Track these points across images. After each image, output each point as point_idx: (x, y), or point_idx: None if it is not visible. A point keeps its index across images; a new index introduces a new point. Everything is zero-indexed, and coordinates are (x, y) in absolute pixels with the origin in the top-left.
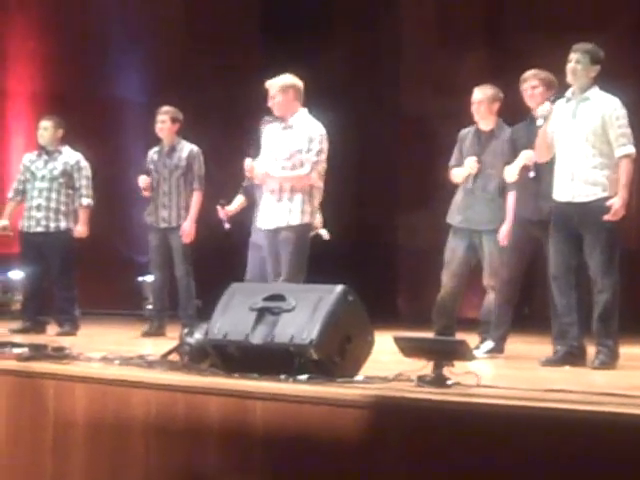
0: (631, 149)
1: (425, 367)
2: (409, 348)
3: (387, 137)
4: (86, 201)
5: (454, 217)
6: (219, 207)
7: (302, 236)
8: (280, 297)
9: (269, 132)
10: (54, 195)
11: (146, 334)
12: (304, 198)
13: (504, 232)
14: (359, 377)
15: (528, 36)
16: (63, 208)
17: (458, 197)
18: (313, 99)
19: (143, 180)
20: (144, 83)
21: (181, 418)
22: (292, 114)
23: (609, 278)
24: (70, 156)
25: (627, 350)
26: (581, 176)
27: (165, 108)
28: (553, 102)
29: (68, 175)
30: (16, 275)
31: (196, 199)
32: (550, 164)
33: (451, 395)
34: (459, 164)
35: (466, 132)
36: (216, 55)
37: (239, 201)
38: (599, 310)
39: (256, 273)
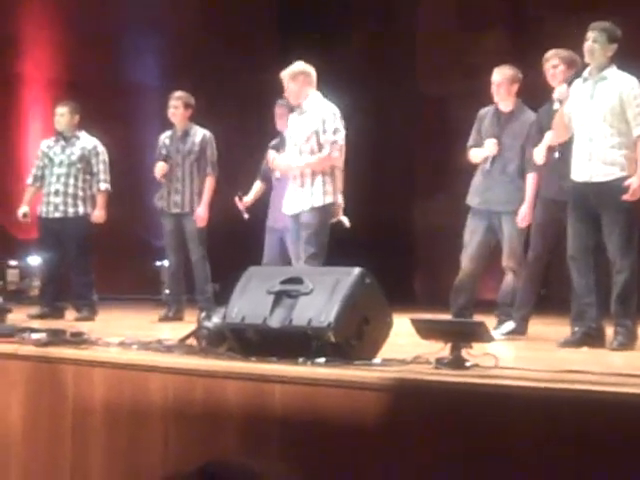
0: None
1: (443, 349)
2: (426, 330)
3: (405, 121)
4: (104, 186)
5: (473, 199)
6: (237, 199)
7: (324, 217)
8: (298, 280)
9: (290, 122)
10: (72, 180)
11: (164, 319)
12: (325, 179)
13: (523, 213)
14: (377, 360)
15: (547, 16)
16: (81, 193)
17: (477, 179)
18: (330, 84)
19: (162, 167)
20: (160, 68)
21: (199, 402)
22: (305, 99)
23: (628, 258)
24: (87, 141)
25: None
26: (599, 156)
27: (178, 93)
28: (570, 84)
29: (86, 160)
30: (34, 261)
31: (209, 184)
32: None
33: (469, 377)
34: (477, 144)
35: (485, 111)
36: (232, 41)
37: (256, 188)
38: (617, 291)
39: (273, 257)
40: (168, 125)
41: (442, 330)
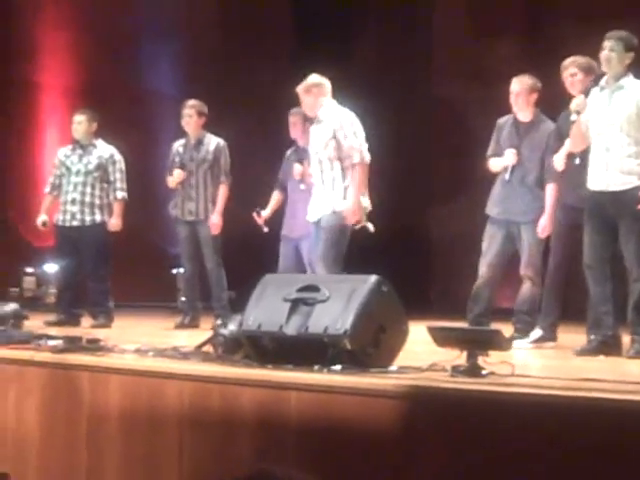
0: None
1: (459, 357)
2: (443, 338)
3: (421, 127)
4: (120, 194)
5: (492, 209)
6: (255, 215)
7: (344, 219)
8: (314, 288)
9: (311, 134)
10: (89, 189)
11: (179, 326)
12: (345, 185)
13: (543, 224)
14: (393, 367)
15: (564, 23)
16: (98, 202)
17: (496, 189)
18: (345, 90)
19: (179, 174)
20: (176, 76)
21: (215, 409)
22: (320, 108)
23: None
24: (104, 150)
25: None
26: (616, 165)
27: (191, 102)
28: (587, 95)
29: (103, 169)
30: (51, 268)
31: (222, 192)
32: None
33: (485, 385)
34: (496, 154)
35: (504, 121)
36: (247, 48)
37: (275, 198)
38: (634, 299)
39: (289, 266)
40: (183, 133)
41: (458, 338)
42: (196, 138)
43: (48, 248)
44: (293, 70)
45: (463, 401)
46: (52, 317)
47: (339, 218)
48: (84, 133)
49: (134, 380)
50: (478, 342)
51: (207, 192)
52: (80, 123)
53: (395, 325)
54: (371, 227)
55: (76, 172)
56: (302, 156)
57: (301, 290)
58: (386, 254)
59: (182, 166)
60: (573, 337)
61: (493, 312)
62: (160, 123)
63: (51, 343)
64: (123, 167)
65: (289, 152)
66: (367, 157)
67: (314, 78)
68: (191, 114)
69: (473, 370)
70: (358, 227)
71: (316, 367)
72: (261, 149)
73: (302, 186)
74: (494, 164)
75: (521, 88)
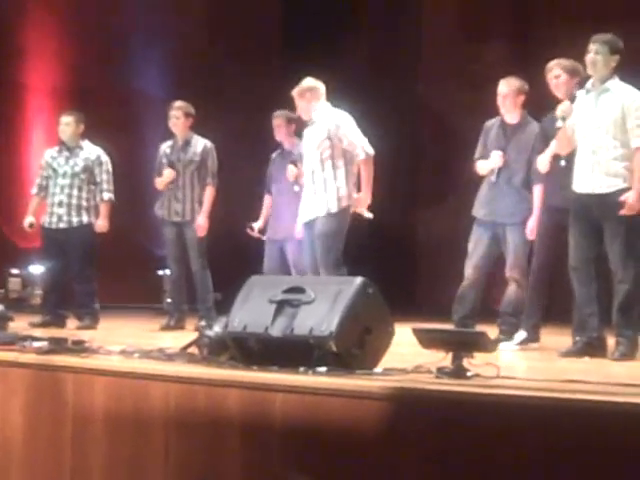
0: None
1: (444, 359)
2: (428, 340)
3: (408, 130)
4: (107, 196)
5: (479, 210)
6: (249, 230)
7: (341, 222)
8: (299, 289)
9: (304, 135)
10: (75, 192)
11: (165, 327)
12: (338, 185)
13: (531, 226)
14: (378, 369)
15: (552, 27)
16: (85, 204)
17: (482, 190)
18: (333, 93)
19: (169, 174)
20: (163, 78)
21: (201, 411)
22: (314, 112)
23: (629, 269)
24: (91, 151)
25: None
26: (602, 168)
27: (178, 103)
28: (573, 100)
29: (89, 171)
30: (36, 269)
31: (209, 194)
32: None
33: (470, 387)
34: (483, 156)
35: (491, 124)
36: (236, 51)
37: (266, 204)
38: (619, 301)
39: (273, 268)
40: (170, 135)
41: (443, 340)
42: (183, 139)
43: (34, 249)
44: (281, 73)
45: (448, 403)
46: (37, 318)
47: (334, 221)
48: (71, 135)
49: (119, 382)
50: (463, 344)
51: (194, 193)
52: (68, 125)
53: (380, 327)
54: (367, 213)
55: (63, 174)
56: (287, 159)
57: (287, 292)
58: (372, 256)
59: (171, 166)
60: (558, 339)
61: (479, 314)
62: (147, 125)
63: (36, 344)
64: (110, 168)
65: (274, 155)
66: (370, 151)
67: (308, 82)
68: (178, 115)
69: (458, 372)
70: (353, 210)
71: (301, 369)
72: (249, 151)
73: (296, 187)
74: (481, 167)
75: (509, 90)
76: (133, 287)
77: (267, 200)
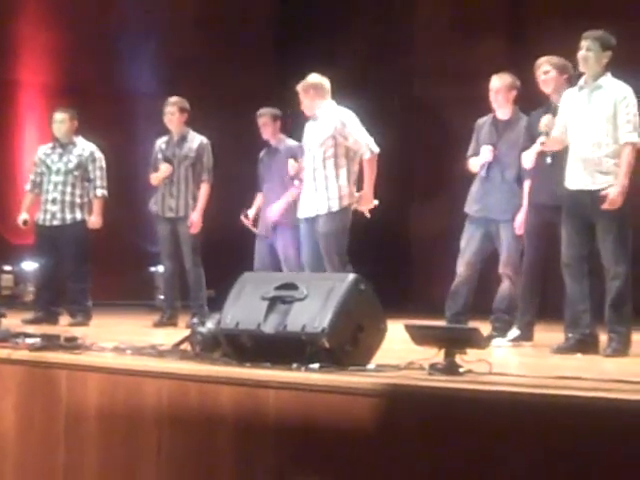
0: (635, 138)
1: (437, 355)
2: (421, 336)
3: (401, 126)
4: (100, 192)
5: (471, 207)
6: (243, 217)
7: (343, 220)
8: (292, 286)
9: (306, 130)
10: (69, 189)
11: (158, 324)
12: (340, 183)
13: (520, 221)
14: (371, 366)
15: (545, 23)
16: (78, 200)
17: (475, 187)
18: None
19: (166, 168)
20: (156, 75)
21: (193, 407)
22: (318, 109)
23: (621, 265)
24: (84, 148)
25: (639, 337)
26: (594, 164)
27: (173, 99)
28: (555, 114)
29: (83, 168)
30: (29, 266)
31: (204, 191)
32: (567, 151)
33: (463, 383)
34: (476, 154)
35: (483, 121)
36: (228, 48)
37: (258, 201)
38: (611, 297)
39: (263, 264)
40: (163, 131)
41: (436, 336)
42: (179, 135)
43: (26, 246)
44: (276, 69)
45: (440, 399)
46: (30, 315)
47: (336, 219)
48: (66, 132)
49: (112, 378)
50: (456, 340)
51: (188, 189)
52: (63, 122)
53: (373, 323)
54: (366, 211)
55: (56, 171)
56: (275, 156)
57: (279, 288)
58: (364, 252)
59: (167, 162)
60: (551, 335)
61: (471, 310)
62: (139, 122)
63: (29, 341)
64: (103, 165)
65: (262, 154)
66: (375, 149)
67: (313, 78)
68: (173, 111)
69: (451, 368)
70: (352, 206)
71: (294, 365)
72: (242, 149)
73: (296, 182)
74: (473, 163)
75: (501, 85)
76: (126, 284)
77: (259, 198)
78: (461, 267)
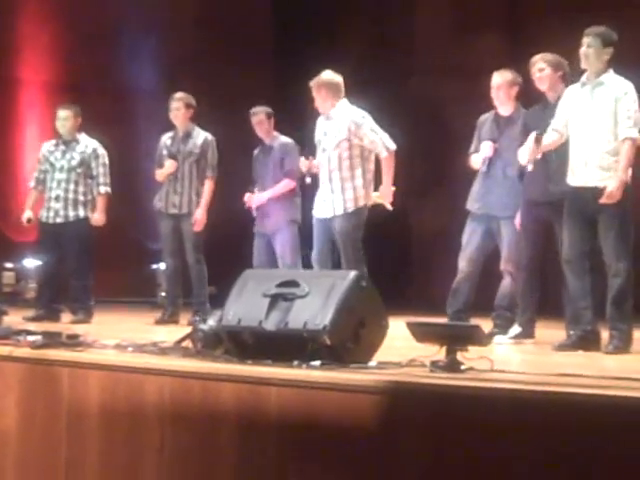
0: (635, 133)
1: (438, 352)
2: (422, 333)
3: (401, 123)
4: (104, 189)
5: (473, 204)
6: (247, 196)
7: (358, 220)
8: (293, 283)
9: (318, 126)
10: (72, 186)
11: (159, 321)
12: (355, 184)
13: (519, 218)
14: (372, 363)
15: (546, 19)
16: (82, 198)
17: (476, 184)
18: None
19: (172, 164)
20: (157, 71)
21: (195, 405)
22: (332, 108)
23: (623, 262)
24: (87, 145)
25: None
26: (596, 161)
27: (178, 95)
28: (539, 140)
29: (86, 165)
30: (30, 263)
31: (208, 187)
32: (558, 148)
33: (464, 380)
34: (477, 150)
35: (485, 118)
36: (228, 47)
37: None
38: (613, 294)
39: (262, 261)
40: (166, 128)
41: (437, 333)
42: (184, 131)
43: (27, 243)
44: (273, 66)
45: (442, 396)
46: (31, 312)
47: (352, 219)
48: (70, 129)
49: (114, 376)
50: (457, 337)
51: (192, 186)
52: (67, 119)
53: (374, 320)
54: (388, 205)
55: (60, 168)
56: (269, 154)
57: (281, 285)
58: (366, 249)
59: (172, 158)
60: (552, 332)
61: (473, 307)
62: (141, 119)
63: (30, 338)
64: (106, 161)
65: (256, 152)
66: (392, 146)
67: (327, 76)
68: (179, 107)
69: (452, 365)
70: (372, 203)
71: (295, 362)
72: (240, 147)
73: (308, 179)
74: (475, 160)
75: (502, 81)
76: (127, 281)
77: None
78: (463, 262)
